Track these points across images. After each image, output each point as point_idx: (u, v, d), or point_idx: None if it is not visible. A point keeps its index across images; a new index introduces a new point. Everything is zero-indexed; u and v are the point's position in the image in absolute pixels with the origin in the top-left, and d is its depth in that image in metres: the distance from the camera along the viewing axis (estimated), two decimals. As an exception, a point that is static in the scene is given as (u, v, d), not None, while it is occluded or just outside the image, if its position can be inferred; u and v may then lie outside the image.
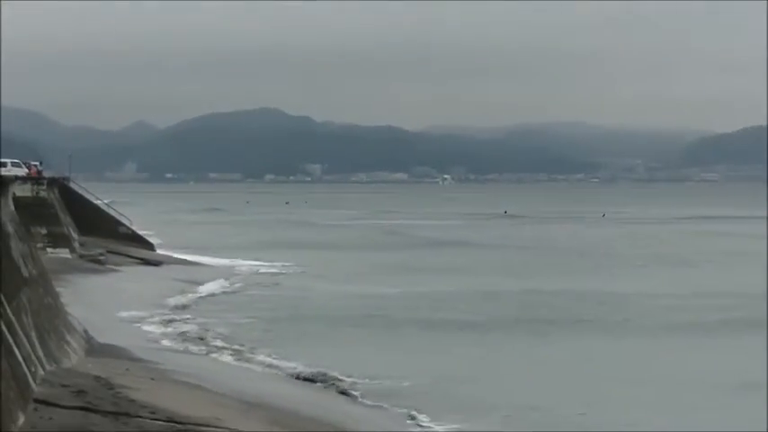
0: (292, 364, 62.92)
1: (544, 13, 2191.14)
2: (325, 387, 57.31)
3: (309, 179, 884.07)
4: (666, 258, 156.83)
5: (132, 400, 45.71)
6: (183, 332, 74.78)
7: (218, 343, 71.29)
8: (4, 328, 45.47)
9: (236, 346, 69.39)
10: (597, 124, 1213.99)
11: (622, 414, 55.54)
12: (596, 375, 66.03)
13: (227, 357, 65.43)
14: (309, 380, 59.23)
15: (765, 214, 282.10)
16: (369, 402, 53.69)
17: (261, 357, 65.38)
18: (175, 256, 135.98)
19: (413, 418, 50.64)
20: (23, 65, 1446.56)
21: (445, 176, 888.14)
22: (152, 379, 53.28)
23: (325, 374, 59.74)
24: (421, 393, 55.52)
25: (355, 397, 55.04)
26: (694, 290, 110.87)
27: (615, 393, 60.58)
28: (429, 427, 48.64)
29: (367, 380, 59.20)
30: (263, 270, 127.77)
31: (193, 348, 68.03)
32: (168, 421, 42.20)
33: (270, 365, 63.04)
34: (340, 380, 58.58)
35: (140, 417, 42.50)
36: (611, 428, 51.92)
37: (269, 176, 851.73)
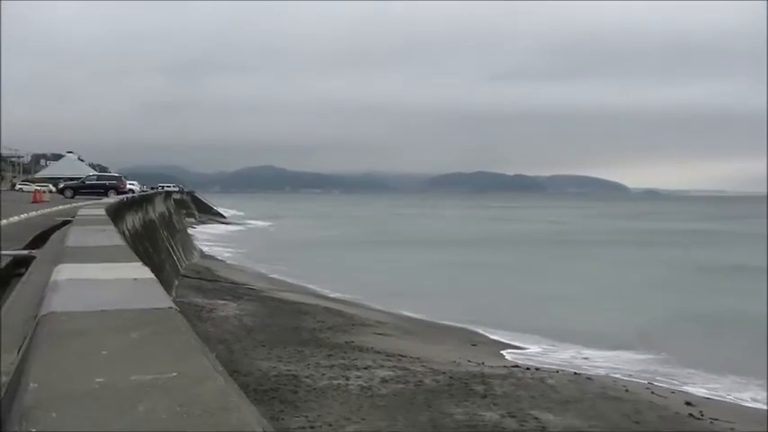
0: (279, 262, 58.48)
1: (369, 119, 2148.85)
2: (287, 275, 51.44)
3: (285, 191, 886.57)
4: (422, 219, 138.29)
5: (218, 275, 46.70)
6: (233, 249, 71.16)
7: (246, 252, 68.09)
8: (170, 248, 47.30)
9: (254, 254, 65.95)
10: (402, 172, 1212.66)
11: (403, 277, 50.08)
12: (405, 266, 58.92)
13: (251, 258, 61.86)
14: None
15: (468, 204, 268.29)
16: (305, 282, 48.70)
17: (266, 257, 61.15)
18: (233, 221, 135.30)
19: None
20: (180, 151, 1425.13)
21: (335, 191, 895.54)
22: (226, 267, 53.96)
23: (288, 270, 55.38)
24: (312, 274, 50.99)
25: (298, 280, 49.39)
26: (432, 233, 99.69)
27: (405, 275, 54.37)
28: (323, 292, 43.27)
29: (303, 270, 54.51)
30: (268, 228, 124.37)
31: (239, 255, 65.12)
32: (231, 283, 42.74)
33: (266, 261, 58.07)
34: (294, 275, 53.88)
35: (221, 281, 43.58)
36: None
37: (270, 191, 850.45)
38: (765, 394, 22.85)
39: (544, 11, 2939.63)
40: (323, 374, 20.45)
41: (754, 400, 22.50)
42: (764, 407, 21.60)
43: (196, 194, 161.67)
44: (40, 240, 12.26)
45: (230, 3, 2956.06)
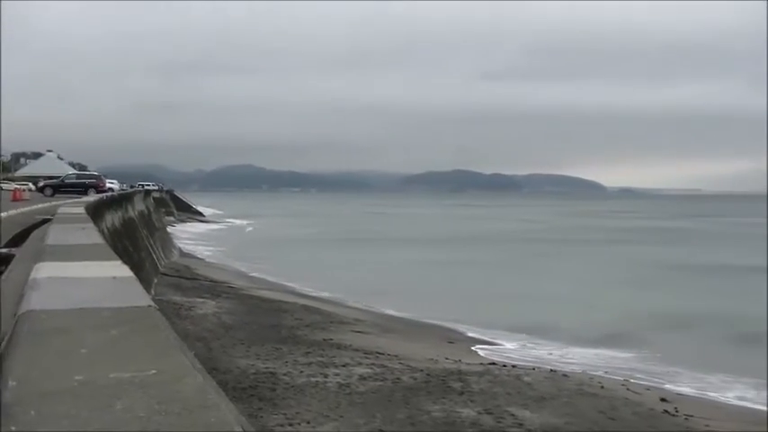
0: (256, 261, 58.39)
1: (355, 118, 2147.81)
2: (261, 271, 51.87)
3: (263, 189, 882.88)
4: (394, 217, 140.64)
5: (197, 273, 46.39)
6: (212, 247, 71.10)
7: (225, 250, 67.72)
8: (150, 246, 47.10)
9: (234, 252, 65.20)
10: (380, 171, 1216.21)
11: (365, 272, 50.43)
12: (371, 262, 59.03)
13: (230, 257, 61.27)
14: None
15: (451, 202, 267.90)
16: (285, 281, 48.94)
17: (245, 255, 60.84)
18: (212, 219, 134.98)
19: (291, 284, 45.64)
20: (160, 150, 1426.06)
21: (312, 190, 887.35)
22: (205, 265, 53.83)
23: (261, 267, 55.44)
24: (291, 272, 51.08)
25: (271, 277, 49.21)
26: (406, 230, 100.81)
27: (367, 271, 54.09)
28: (301, 290, 43.49)
29: (275, 265, 54.74)
30: (247, 227, 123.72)
31: (218, 253, 64.80)
32: (210, 282, 42.38)
33: (246, 259, 58.24)
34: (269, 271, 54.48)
35: (199, 280, 43.34)
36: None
37: (246, 190, 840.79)
38: (753, 393, 22.92)
39: (526, 11, 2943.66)
40: (301, 372, 20.40)
41: (741, 398, 22.54)
42: (749, 405, 21.74)
43: (175, 193, 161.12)
44: (19, 238, 12.19)
45: (213, 3, 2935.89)
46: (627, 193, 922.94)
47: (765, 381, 23.81)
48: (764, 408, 21.43)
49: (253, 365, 20.91)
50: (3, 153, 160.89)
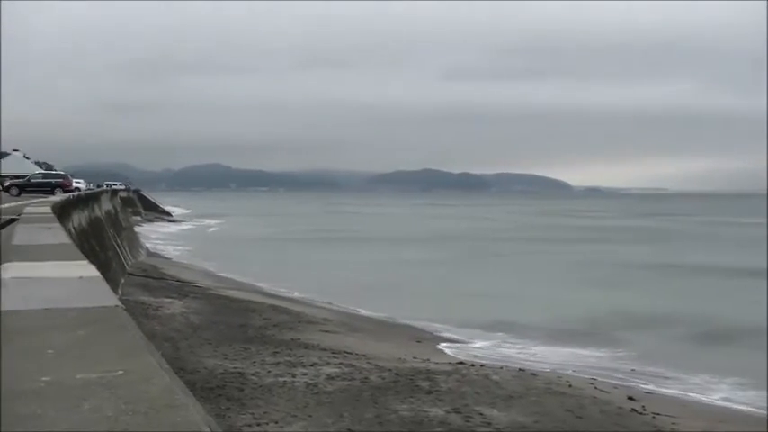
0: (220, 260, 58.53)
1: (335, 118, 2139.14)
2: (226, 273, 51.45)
3: (231, 189, 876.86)
4: (365, 214, 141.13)
5: (164, 273, 46.26)
6: (180, 247, 71.27)
7: (193, 250, 67.52)
8: (117, 246, 46.77)
9: (201, 251, 64.91)
10: (349, 170, 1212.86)
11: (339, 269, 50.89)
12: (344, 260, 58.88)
13: (198, 256, 61.14)
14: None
15: (423, 202, 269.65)
16: (252, 280, 49.00)
17: (212, 254, 60.45)
18: (179, 219, 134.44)
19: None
20: (127, 149, 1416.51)
21: (281, 189, 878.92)
22: (172, 265, 53.65)
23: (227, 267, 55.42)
24: (258, 272, 51.00)
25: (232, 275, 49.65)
26: (376, 229, 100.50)
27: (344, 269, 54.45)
28: (269, 289, 43.57)
29: (241, 264, 54.62)
30: (214, 226, 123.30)
31: (186, 253, 64.50)
32: (178, 281, 42.26)
33: (213, 258, 57.97)
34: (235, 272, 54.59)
35: (167, 279, 43.34)
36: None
37: (215, 189, 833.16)
38: (738, 394, 23.04)
39: (488, 11, 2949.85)
40: (269, 372, 20.36)
41: (728, 399, 22.59)
42: (716, 403, 21.95)
43: (142, 192, 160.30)
44: (-16, 238, 12.07)
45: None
46: (593, 193, 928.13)
47: (731, 379, 24.09)
48: (730, 405, 21.71)
49: (220, 365, 20.84)
50: None
